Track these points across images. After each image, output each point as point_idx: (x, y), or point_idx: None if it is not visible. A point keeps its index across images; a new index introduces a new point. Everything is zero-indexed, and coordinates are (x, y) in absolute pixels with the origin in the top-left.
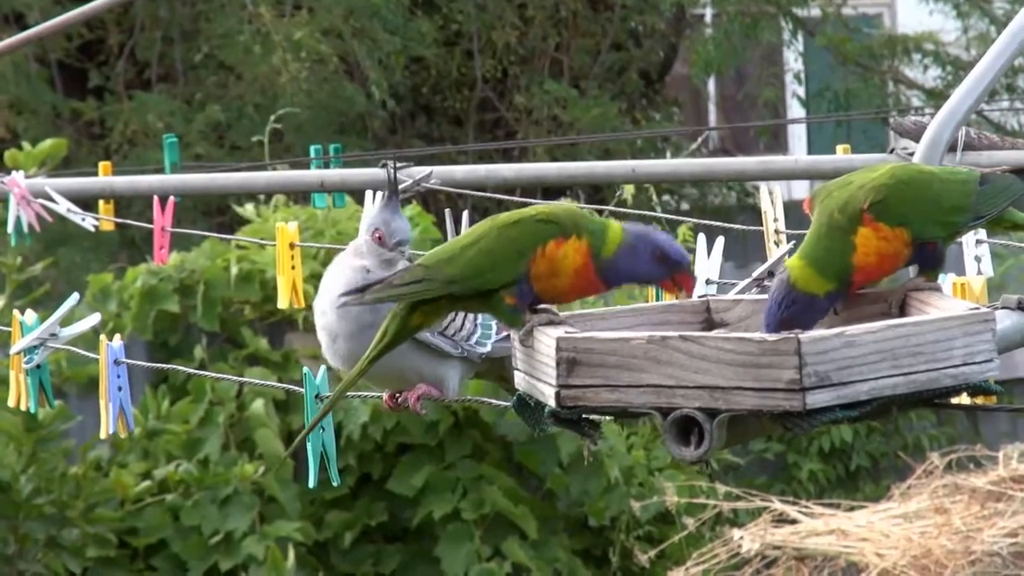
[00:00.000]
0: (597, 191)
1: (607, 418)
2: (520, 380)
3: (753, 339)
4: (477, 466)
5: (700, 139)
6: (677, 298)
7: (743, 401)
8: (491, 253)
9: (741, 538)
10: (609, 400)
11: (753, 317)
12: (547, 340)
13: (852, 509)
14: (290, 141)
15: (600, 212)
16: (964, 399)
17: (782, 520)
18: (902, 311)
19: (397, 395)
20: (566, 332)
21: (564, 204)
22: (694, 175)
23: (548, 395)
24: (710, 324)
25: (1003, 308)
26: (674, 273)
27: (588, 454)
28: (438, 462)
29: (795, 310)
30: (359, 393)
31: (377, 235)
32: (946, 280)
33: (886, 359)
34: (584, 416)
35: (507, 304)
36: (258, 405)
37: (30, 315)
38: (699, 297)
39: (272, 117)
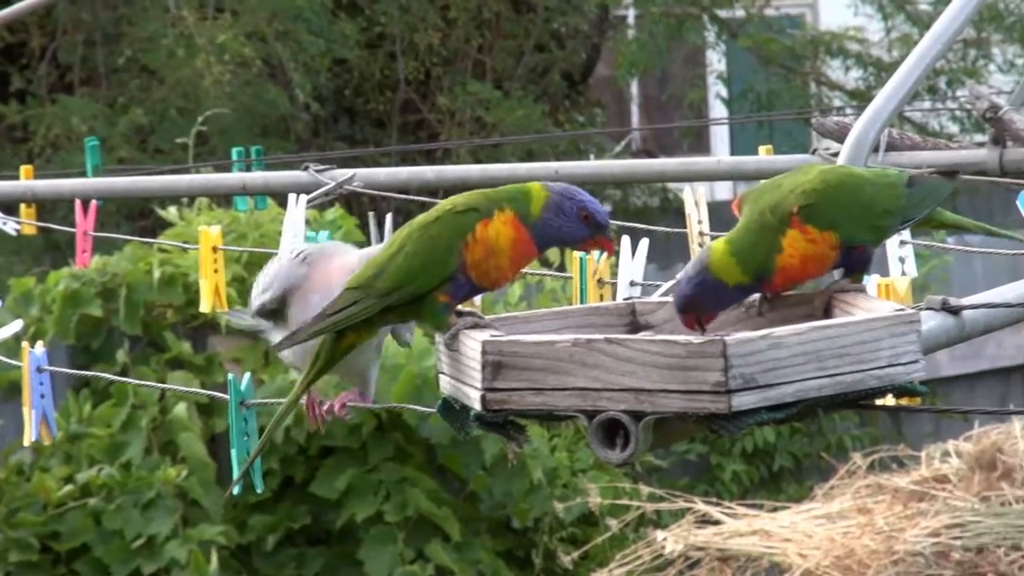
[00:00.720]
0: None
1: (532, 421)
2: (445, 383)
3: (679, 342)
4: (400, 469)
5: (625, 140)
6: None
7: (669, 403)
8: (419, 255)
9: (664, 539)
10: (535, 403)
11: (678, 319)
12: (472, 344)
13: (775, 510)
14: (215, 144)
15: None
16: (889, 400)
17: (705, 521)
18: (828, 313)
19: (316, 406)
20: (492, 335)
21: (473, 191)
22: (617, 177)
23: (473, 398)
24: (635, 327)
25: (928, 309)
26: (597, 234)
27: (512, 456)
28: (361, 465)
29: (702, 291)
30: (281, 400)
31: None
32: (870, 281)
33: (812, 361)
34: (509, 419)
35: (439, 304)
36: (180, 409)
37: None
38: (624, 300)
39: (199, 119)
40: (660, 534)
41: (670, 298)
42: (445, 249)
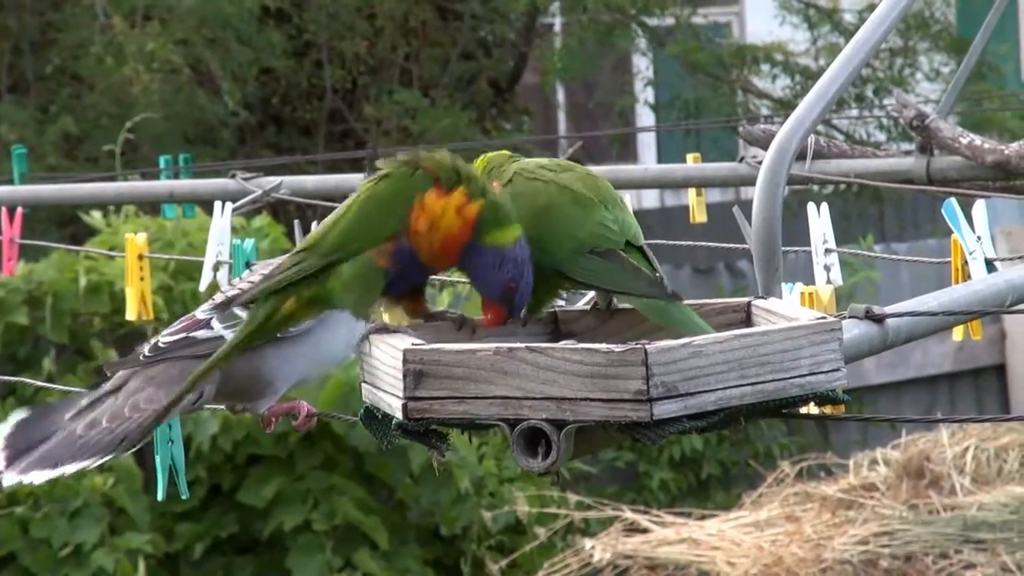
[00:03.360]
0: None
1: (455, 430)
2: (367, 392)
3: (600, 350)
4: (328, 477)
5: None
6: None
7: (590, 412)
8: (364, 212)
9: (592, 547)
10: (456, 412)
11: (601, 328)
12: (393, 352)
13: (703, 518)
14: (147, 152)
15: None
16: (812, 409)
17: (633, 529)
18: (749, 321)
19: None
20: (413, 344)
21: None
22: None
23: (395, 407)
24: (558, 335)
25: (851, 317)
26: (498, 306)
27: (438, 465)
28: (289, 473)
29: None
30: (210, 406)
31: None
32: (794, 289)
33: (733, 369)
34: (432, 428)
35: (376, 270)
36: None
37: None
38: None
39: (127, 125)
40: (588, 542)
41: (594, 307)
42: (388, 206)
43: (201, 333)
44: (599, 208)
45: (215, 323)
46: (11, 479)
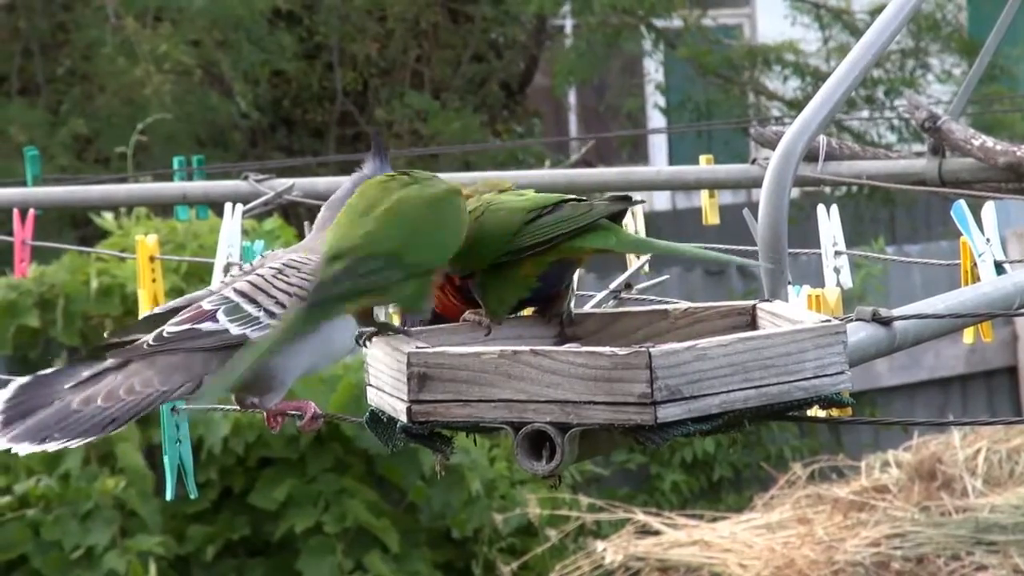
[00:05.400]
0: None
1: (459, 433)
2: (372, 395)
3: (604, 353)
4: (339, 479)
5: (581, 151)
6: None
7: (595, 415)
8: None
9: (604, 550)
10: (461, 415)
11: (606, 331)
12: (397, 355)
13: (715, 520)
14: (157, 153)
15: None
16: (818, 412)
17: (645, 531)
18: (754, 324)
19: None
20: (417, 347)
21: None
22: (558, 186)
23: (399, 410)
24: (563, 338)
25: (857, 320)
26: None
27: (440, 469)
28: (300, 476)
29: None
30: (220, 407)
31: None
32: (801, 292)
33: (737, 372)
34: (436, 431)
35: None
36: None
37: None
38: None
39: (138, 126)
40: (600, 545)
41: (600, 309)
42: (455, 222)
43: (206, 325)
44: (531, 193)
45: (220, 315)
46: (0, 444)
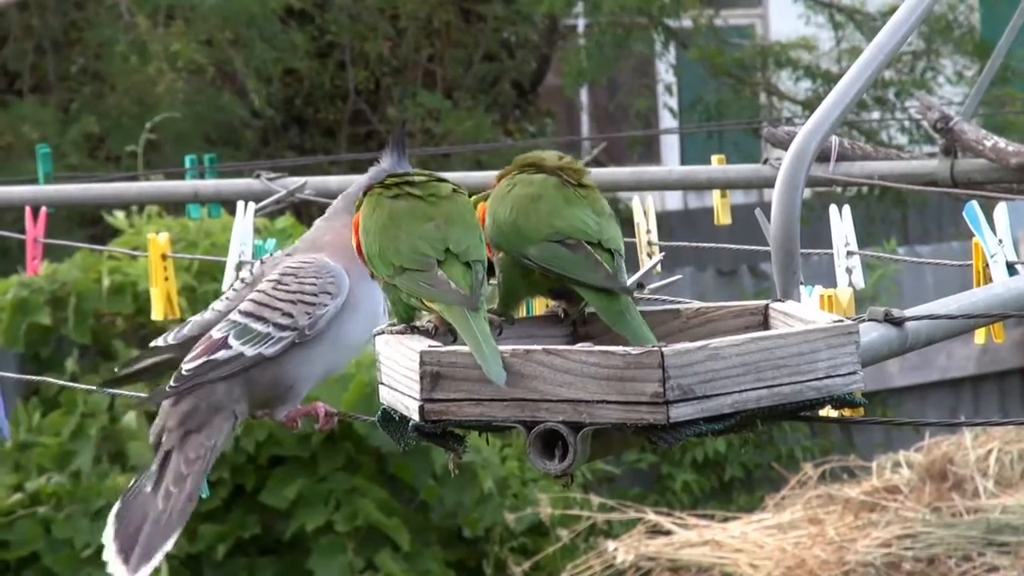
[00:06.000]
0: None
1: (472, 432)
2: (385, 394)
3: (616, 352)
4: (350, 478)
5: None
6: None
7: (607, 415)
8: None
9: (615, 549)
10: (473, 414)
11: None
12: (410, 353)
13: (726, 520)
14: (167, 152)
15: None
16: (830, 412)
17: (656, 531)
18: (766, 324)
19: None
20: (430, 346)
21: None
22: None
23: (412, 409)
24: (576, 337)
25: (870, 320)
26: None
27: (453, 467)
28: (311, 474)
29: None
30: None
31: None
32: (813, 292)
33: (750, 372)
34: (448, 430)
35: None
36: (130, 417)
37: None
38: (561, 308)
39: (148, 125)
40: (611, 544)
41: None
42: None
43: (222, 354)
44: (585, 207)
45: (232, 340)
46: None
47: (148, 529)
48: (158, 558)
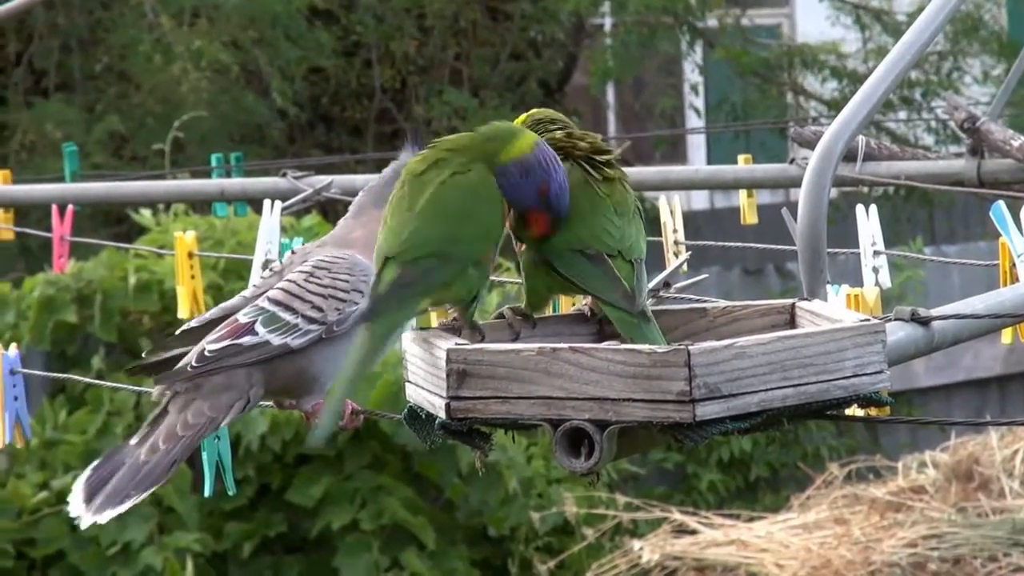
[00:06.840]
0: None
1: (498, 430)
2: (411, 392)
3: (643, 351)
4: (376, 477)
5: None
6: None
7: (633, 413)
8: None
9: (641, 549)
10: (499, 412)
11: None
12: (436, 351)
13: (752, 519)
14: (192, 151)
15: None
16: (856, 411)
17: (682, 530)
18: (793, 323)
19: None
20: (456, 343)
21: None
22: None
23: (438, 407)
24: (602, 335)
25: (896, 320)
26: (540, 210)
27: (480, 466)
28: (337, 473)
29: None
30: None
31: None
32: (840, 291)
33: (776, 370)
34: (474, 428)
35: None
36: None
37: None
38: (588, 307)
39: (175, 123)
40: (636, 543)
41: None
42: (489, 203)
43: (247, 340)
44: (608, 211)
45: (259, 327)
46: (87, 520)
47: (123, 474)
48: (126, 506)
